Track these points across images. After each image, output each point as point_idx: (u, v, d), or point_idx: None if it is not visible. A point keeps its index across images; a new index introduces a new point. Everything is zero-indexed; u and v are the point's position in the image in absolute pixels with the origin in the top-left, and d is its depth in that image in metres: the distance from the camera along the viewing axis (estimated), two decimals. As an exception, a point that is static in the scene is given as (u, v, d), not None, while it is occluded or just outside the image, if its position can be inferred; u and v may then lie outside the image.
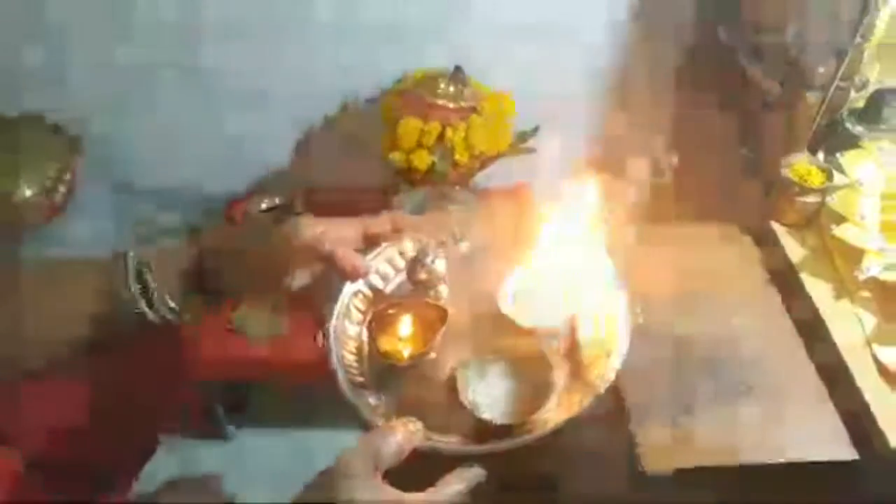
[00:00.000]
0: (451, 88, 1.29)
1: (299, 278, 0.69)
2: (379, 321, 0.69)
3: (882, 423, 0.76)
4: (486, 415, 0.62)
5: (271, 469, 1.41)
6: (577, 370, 0.66)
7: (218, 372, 1.29)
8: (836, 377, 0.83)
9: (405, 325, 0.69)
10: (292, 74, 1.37)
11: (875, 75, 1.01)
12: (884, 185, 0.92)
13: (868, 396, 0.78)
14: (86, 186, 1.30)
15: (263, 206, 1.35)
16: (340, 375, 0.66)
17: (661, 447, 0.78)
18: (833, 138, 1.03)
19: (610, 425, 0.85)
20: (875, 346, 0.83)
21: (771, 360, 0.86)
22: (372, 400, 0.65)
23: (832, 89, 0.97)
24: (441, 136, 1.27)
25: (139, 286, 0.62)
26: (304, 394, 1.51)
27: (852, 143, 1.01)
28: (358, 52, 1.35)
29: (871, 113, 1.01)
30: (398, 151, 1.29)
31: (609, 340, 0.66)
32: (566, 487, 0.97)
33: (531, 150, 1.35)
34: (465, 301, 0.73)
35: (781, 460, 0.77)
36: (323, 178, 1.49)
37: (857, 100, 1.03)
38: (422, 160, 1.28)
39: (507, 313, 0.69)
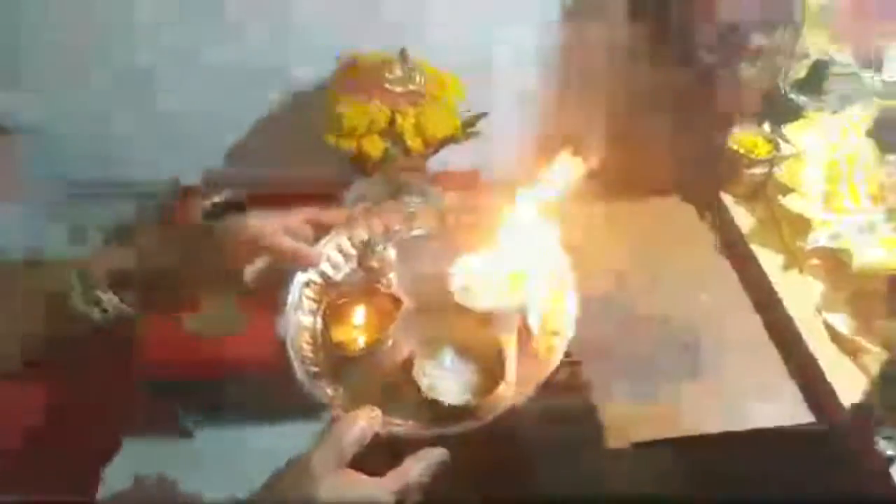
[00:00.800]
0: (399, 72, 1.27)
1: (250, 273, 0.69)
2: (332, 311, 0.69)
3: (836, 386, 0.78)
4: (443, 398, 0.63)
5: (234, 466, 1.40)
6: (529, 351, 0.68)
7: (170, 371, 1.26)
8: (790, 345, 0.85)
9: (359, 314, 0.70)
10: (233, 62, 1.34)
11: (815, 45, 1.03)
12: (827, 154, 0.94)
13: (822, 362, 0.80)
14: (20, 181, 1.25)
15: (216, 199, 1.30)
16: (296, 366, 0.66)
17: (622, 421, 0.79)
18: (778, 109, 1.05)
19: (571, 403, 0.86)
20: (825, 314, 0.85)
21: (726, 330, 0.88)
22: (329, 390, 0.66)
23: (769, 61, 0.99)
24: (391, 122, 1.25)
25: (84, 289, 0.62)
26: (265, 389, 1.49)
27: (796, 114, 1.03)
28: (300, 37, 1.32)
29: (813, 83, 1.03)
30: (348, 138, 1.26)
31: (557, 320, 0.68)
32: (531, 466, 0.98)
33: (477, 134, 1.34)
34: (417, 288, 0.73)
35: (741, 428, 0.78)
36: (272, 171, 1.46)
37: (799, 70, 1.05)
38: (374, 146, 1.26)
39: (458, 299, 0.70)
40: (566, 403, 0.87)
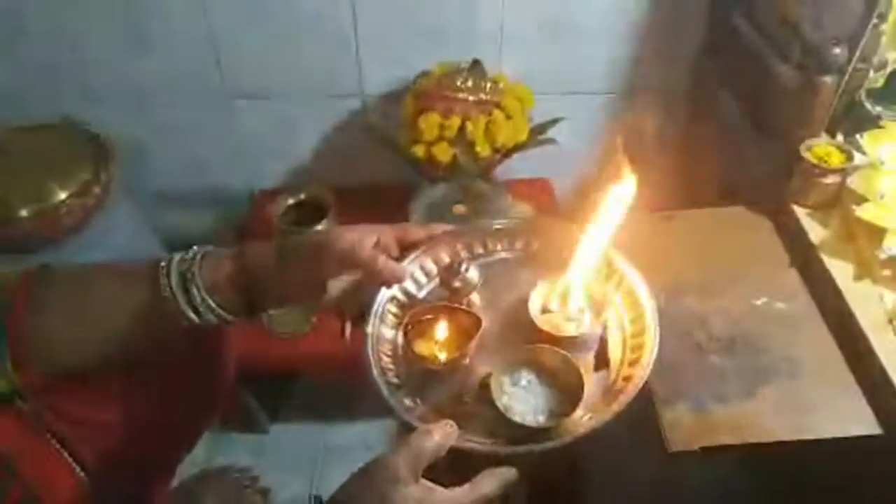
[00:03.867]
0: (471, 82, 1.31)
1: (335, 286, 0.71)
2: (416, 325, 0.71)
3: (906, 398, 0.77)
4: (519, 418, 0.64)
5: (304, 462, 1.46)
6: (607, 376, 0.69)
7: (249, 368, 1.32)
8: (859, 356, 0.84)
9: (441, 329, 0.71)
10: (313, 71, 1.40)
11: (894, 56, 1.01)
12: (904, 164, 0.93)
13: (892, 373, 0.79)
14: (118, 194, 1.34)
15: (290, 201, 1.37)
16: (378, 377, 0.68)
17: (686, 427, 0.80)
18: (852, 119, 1.04)
19: (636, 411, 0.87)
20: (897, 324, 0.83)
21: (794, 341, 0.87)
22: (408, 402, 0.68)
23: (849, 70, 0.98)
24: (462, 130, 1.29)
25: (183, 291, 0.64)
26: (336, 388, 1.55)
27: (872, 123, 1.01)
28: (379, 48, 1.38)
29: (891, 93, 1.01)
30: (419, 145, 1.31)
31: (638, 350, 0.68)
32: (594, 478, 0.99)
33: (552, 142, 1.37)
34: (497, 309, 0.75)
35: (805, 437, 0.78)
36: (347, 175, 1.52)
37: (876, 80, 1.04)
38: (443, 152, 1.30)
39: (537, 322, 0.71)
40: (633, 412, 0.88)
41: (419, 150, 1.31)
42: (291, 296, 0.70)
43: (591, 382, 0.67)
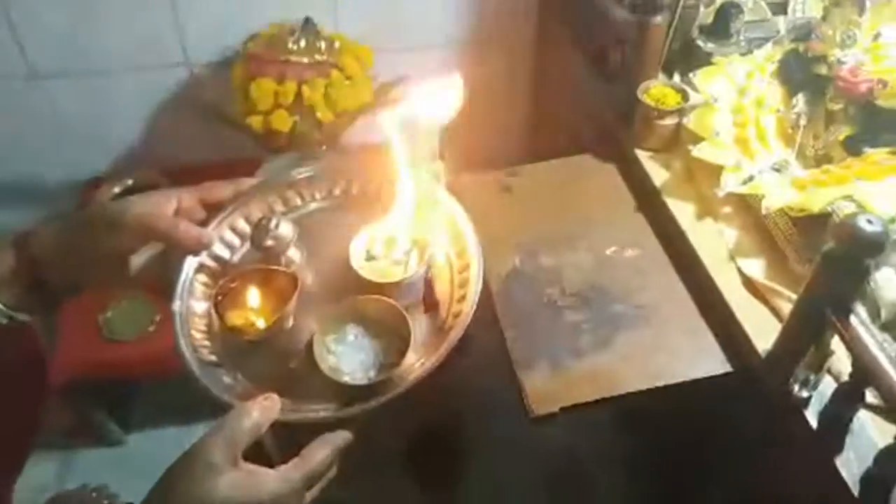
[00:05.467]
0: (304, 43, 1.21)
1: (136, 262, 0.64)
2: (226, 295, 0.65)
3: (751, 333, 0.77)
4: (348, 378, 0.61)
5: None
6: (437, 317, 0.66)
7: (87, 375, 1.20)
8: (706, 295, 0.84)
9: (253, 296, 0.66)
10: (129, 40, 1.26)
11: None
12: (735, 99, 0.93)
13: (736, 310, 0.80)
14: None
15: (116, 189, 1.24)
16: (188, 357, 0.62)
17: (546, 388, 0.77)
18: (687, 59, 1.04)
19: (496, 372, 0.84)
20: (738, 260, 0.84)
21: (645, 287, 0.86)
22: (227, 379, 0.63)
23: (679, 9, 0.97)
24: (299, 95, 1.20)
25: None
26: (189, 386, 1.44)
27: (706, 61, 1.01)
28: (200, 9, 1.25)
29: (720, 28, 1.02)
30: (255, 115, 1.21)
31: (464, 286, 0.66)
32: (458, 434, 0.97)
33: (398, 102, 1.30)
34: (317, 264, 0.70)
35: (660, 384, 0.77)
36: (180, 155, 1.39)
37: (707, 16, 1.04)
38: (282, 121, 1.21)
39: (359, 271, 0.67)
40: (487, 375, 0.85)
41: (255, 122, 1.21)
42: (87, 278, 0.64)
43: (423, 327, 0.65)
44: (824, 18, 0.88)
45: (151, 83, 1.33)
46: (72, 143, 1.37)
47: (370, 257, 0.69)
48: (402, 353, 0.61)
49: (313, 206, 0.75)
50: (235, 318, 0.64)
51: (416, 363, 0.62)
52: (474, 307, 0.63)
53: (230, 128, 1.28)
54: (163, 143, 1.40)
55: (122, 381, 1.39)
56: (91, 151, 1.39)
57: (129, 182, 1.24)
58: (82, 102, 1.32)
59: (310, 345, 0.63)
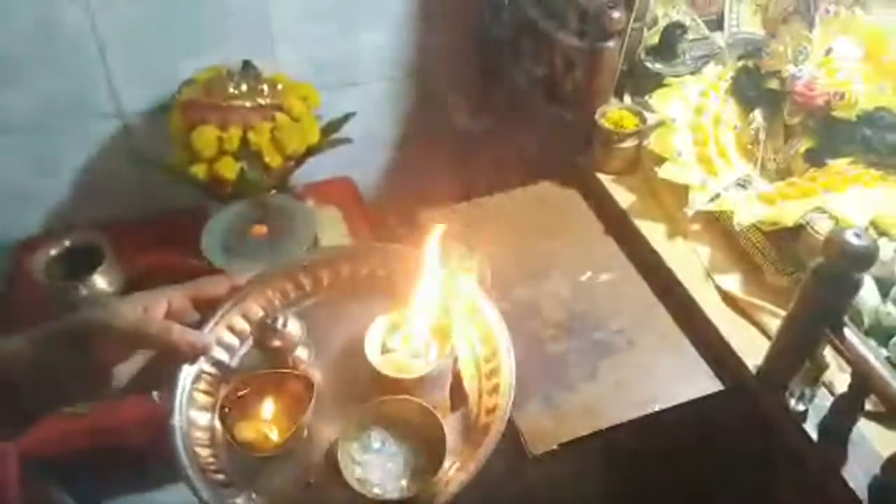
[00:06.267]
0: (245, 87, 1.17)
1: (126, 375, 0.57)
2: (234, 405, 0.57)
3: (737, 349, 0.78)
4: (378, 490, 0.54)
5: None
6: (468, 413, 0.60)
7: (41, 452, 1.11)
8: (687, 315, 0.84)
9: (266, 405, 0.58)
10: (56, 92, 1.19)
11: (661, 11, 1.04)
12: (693, 118, 0.94)
13: (721, 326, 0.80)
14: None
15: (53, 252, 1.15)
16: (195, 479, 0.54)
17: (541, 426, 0.75)
18: (636, 80, 1.05)
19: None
20: (715, 276, 0.84)
21: (623, 310, 0.86)
22: (241, 500, 0.55)
23: (627, 33, 0.98)
24: (244, 140, 1.16)
25: None
26: (157, 447, 1.35)
27: (654, 81, 1.02)
28: (129, 57, 1.20)
29: (666, 48, 1.03)
30: (199, 164, 1.15)
31: (495, 373, 0.60)
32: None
33: (347, 141, 1.27)
34: (331, 361, 0.63)
35: (656, 408, 0.76)
36: (121, 210, 1.32)
37: (651, 37, 1.05)
38: (228, 169, 1.16)
39: (377, 366, 0.60)
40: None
41: (199, 171, 1.16)
42: (62, 398, 0.57)
43: (451, 425, 0.58)
44: (773, 35, 0.91)
45: (83, 136, 1.26)
46: (2, 205, 1.27)
47: (386, 350, 0.63)
48: (436, 459, 0.54)
49: (318, 296, 0.68)
50: (246, 431, 0.57)
51: (450, 468, 0.55)
52: (511, 399, 0.57)
53: (171, 178, 1.22)
54: (99, 198, 1.32)
55: (77, 456, 1.29)
56: (22, 211, 1.30)
57: (67, 243, 1.16)
58: (9, 159, 1.23)
59: (329, 454, 0.57)
